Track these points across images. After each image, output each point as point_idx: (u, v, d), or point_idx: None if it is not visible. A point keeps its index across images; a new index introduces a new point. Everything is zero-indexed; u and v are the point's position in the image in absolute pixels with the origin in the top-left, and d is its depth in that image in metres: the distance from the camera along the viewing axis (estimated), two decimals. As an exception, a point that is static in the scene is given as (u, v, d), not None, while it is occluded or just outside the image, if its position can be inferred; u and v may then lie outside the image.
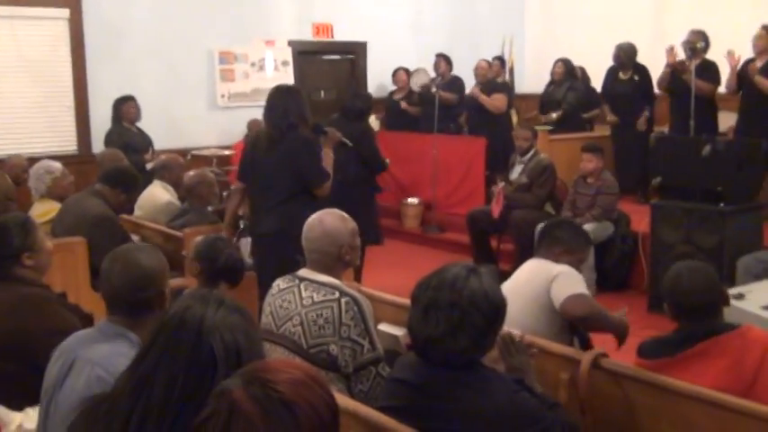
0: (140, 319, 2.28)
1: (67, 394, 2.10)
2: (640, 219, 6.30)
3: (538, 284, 3.27)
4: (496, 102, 8.54)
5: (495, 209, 6.68)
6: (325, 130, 4.77)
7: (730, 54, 6.88)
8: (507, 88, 9.14)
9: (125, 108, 7.24)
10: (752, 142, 5.72)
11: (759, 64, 6.72)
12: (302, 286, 2.92)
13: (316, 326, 2.80)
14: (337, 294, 2.82)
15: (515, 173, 7.00)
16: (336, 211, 3.10)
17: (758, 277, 4.73)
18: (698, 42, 7.03)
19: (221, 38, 8.69)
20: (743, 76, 6.80)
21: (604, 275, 6.37)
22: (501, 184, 6.88)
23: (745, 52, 6.90)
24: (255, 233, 4.59)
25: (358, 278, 5.24)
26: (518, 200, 6.72)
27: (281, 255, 3.99)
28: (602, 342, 3.37)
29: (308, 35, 9.40)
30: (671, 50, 7.29)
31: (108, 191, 4.82)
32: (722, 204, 5.43)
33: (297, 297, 2.90)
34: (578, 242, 3.52)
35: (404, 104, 9.21)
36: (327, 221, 3.01)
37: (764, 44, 6.74)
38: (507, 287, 3.56)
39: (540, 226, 6.40)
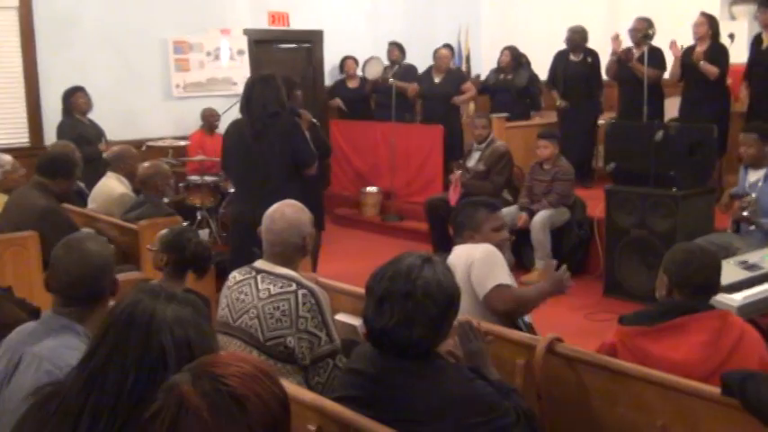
0: (95, 308, 2.27)
1: (15, 391, 2.07)
2: (593, 203, 6.39)
3: (462, 271, 3.23)
4: (470, 93, 8.51)
5: (453, 197, 6.72)
6: (299, 112, 5.00)
7: (673, 44, 6.99)
8: (468, 77, 9.17)
9: (74, 99, 7.10)
10: (704, 127, 5.80)
11: (699, 50, 6.84)
12: (259, 278, 2.91)
13: (272, 318, 2.78)
14: (294, 286, 2.81)
15: (473, 160, 7.05)
16: (294, 202, 3.11)
17: (710, 260, 4.81)
18: (649, 29, 7.12)
19: (175, 27, 8.56)
20: (686, 64, 6.90)
21: (561, 260, 6.40)
22: (458, 173, 6.91)
23: (686, 39, 7.02)
24: (253, 219, 4.56)
25: (314, 266, 5.23)
26: (476, 187, 6.76)
27: None
28: (556, 328, 3.40)
29: (263, 24, 9.31)
30: (616, 38, 7.38)
31: (49, 181, 4.73)
32: (675, 189, 5.52)
33: (253, 289, 2.88)
34: (476, 217, 3.44)
35: (336, 101, 9.22)
36: (289, 213, 3.02)
37: (705, 30, 6.85)
38: None
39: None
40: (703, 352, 2.65)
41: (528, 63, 9.09)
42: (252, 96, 4.62)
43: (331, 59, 9.79)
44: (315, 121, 5.30)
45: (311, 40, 9.77)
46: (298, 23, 9.56)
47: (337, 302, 3.24)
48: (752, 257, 4.06)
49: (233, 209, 5.08)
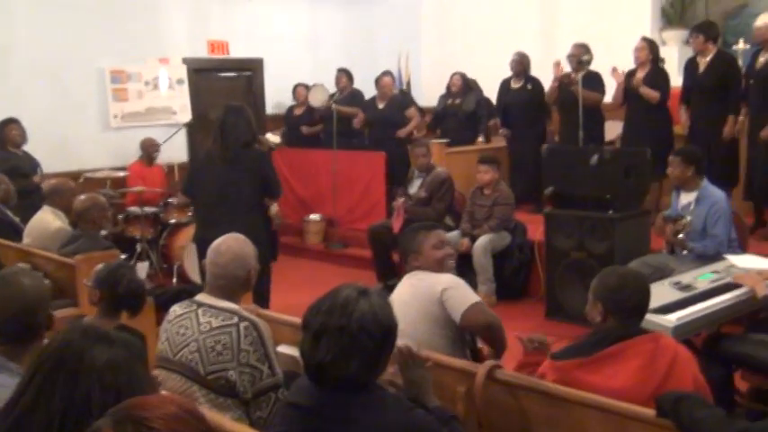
0: (29, 345, 2.21)
1: None
2: (536, 228, 6.47)
3: (426, 298, 3.27)
4: (415, 120, 8.58)
5: (396, 224, 6.76)
6: (258, 138, 5.20)
7: (615, 70, 7.16)
8: (413, 100, 9.23)
9: (7, 131, 6.94)
10: (637, 151, 5.94)
11: (640, 74, 7.02)
12: (200, 312, 2.88)
13: (214, 352, 2.75)
14: (236, 319, 2.79)
15: (414, 187, 7.09)
16: (240, 236, 3.11)
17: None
18: (583, 55, 7.28)
19: (113, 56, 8.47)
20: (627, 88, 7.08)
21: (503, 284, 6.51)
22: (401, 200, 6.96)
23: (627, 63, 7.19)
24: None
25: (268, 300, 5.22)
26: (418, 214, 6.79)
27: None
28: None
29: (203, 52, 9.28)
30: (557, 65, 7.54)
31: None
32: (611, 212, 5.63)
33: (194, 323, 2.85)
34: (416, 239, 3.47)
35: (305, 130, 9.19)
36: (235, 246, 3.02)
37: (645, 55, 7.03)
38: (395, 300, 3.59)
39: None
40: (640, 376, 2.69)
41: (478, 88, 9.21)
42: (226, 126, 4.81)
43: (272, 87, 9.79)
44: (273, 145, 5.49)
45: (251, 69, 9.76)
46: (237, 52, 9.55)
47: (279, 334, 3.22)
48: (685, 278, 4.15)
49: (196, 234, 5.20)
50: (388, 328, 2.01)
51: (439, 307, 3.25)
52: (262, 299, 4.92)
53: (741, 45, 7.36)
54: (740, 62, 7.09)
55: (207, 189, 4.90)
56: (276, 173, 5.03)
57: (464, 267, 6.57)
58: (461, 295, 3.27)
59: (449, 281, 3.34)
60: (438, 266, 3.45)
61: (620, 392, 2.61)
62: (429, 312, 3.26)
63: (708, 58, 6.66)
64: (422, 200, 6.93)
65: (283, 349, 3.13)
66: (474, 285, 6.42)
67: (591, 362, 2.76)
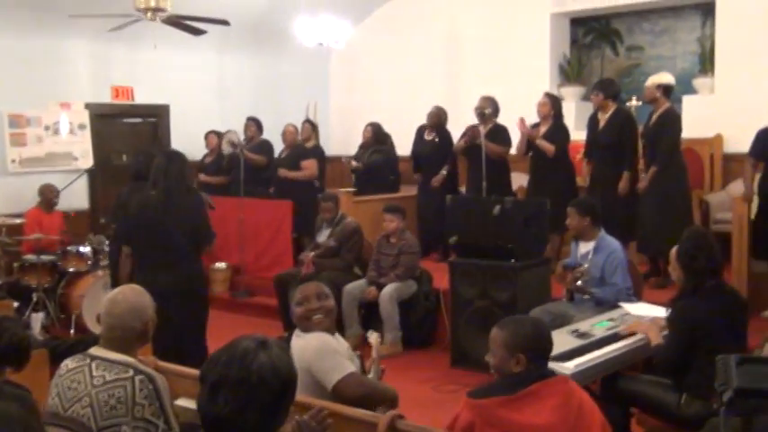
0: None
1: None
2: (442, 276, 6.55)
3: (298, 364, 3.23)
4: (307, 171, 8.62)
5: (304, 277, 6.73)
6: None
7: (521, 121, 7.38)
8: (319, 152, 9.26)
9: None
10: (537, 201, 6.13)
11: (543, 128, 7.26)
12: (93, 365, 2.79)
13: (107, 406, 2.67)
14: (131, 372, 2.72)
15: (323, 235, 7.09)
16: (136, 287, 3.06)
17: (547, 328, 5.03)
18: (488, 108, 7.49)
19: (11, 100, 8.23)
20: (531, 140, 7.30)
21: (410, 333, 6.54)
22: (309, 254, 6.95)
23: (529, 117, 7.43)
24: (152, 291, 4.64)
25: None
26: (327, 266, 6.81)
27: (187, 311, 4.82)
28: (403, 401, 3.43)
29: (106, 98, 9.12)
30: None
31: None
32: (513, 260, 5.75)
33: (87, 377, 2.76)
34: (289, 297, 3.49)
35: (203, 177, 9.12)
36: (132, 296, 2.96)
37: (548, 110, 7.28)
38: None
39: (347, 288, 6.55)
40: (559, 414, 2.76)
41: (389, 143, 9.32)
42: (168, 172, 4.85)
43: (178, 134, 9.68)
44: (212, 204, 5.60)
45: (157, 115, 9.64)
46: (142, 98, 9.42)
47: (179, 387, 3.14)
48: (582, 326, 4.27)
49: (138, 278, 4.96)
50: (287, 380, 1.99)
51: (308, 375, 3.18)
52: (203, 351, 4.85)
53: (634, 102, 7.71)
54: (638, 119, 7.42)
55: (149, 235, 4.88)
56: (209, 220, 5.10)
57: (371, 316, 6.62)
58: (329, 368, 3.19)
59: (314, 351, 3.23)
60: (304, 323, 3.37)
61: (544, 429, 2.70)
62: (305, 383, 3.20)
63: (607, 115, 6.94)
64: (330, 249, 6.93)
65: (182, 402, 3.06)
66: (380, 334, 6.44)
67: (514, 400, 2.79)
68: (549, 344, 2.95)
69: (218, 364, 1.94)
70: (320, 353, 3.22)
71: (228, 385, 1.91)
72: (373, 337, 3.67)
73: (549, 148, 7.12)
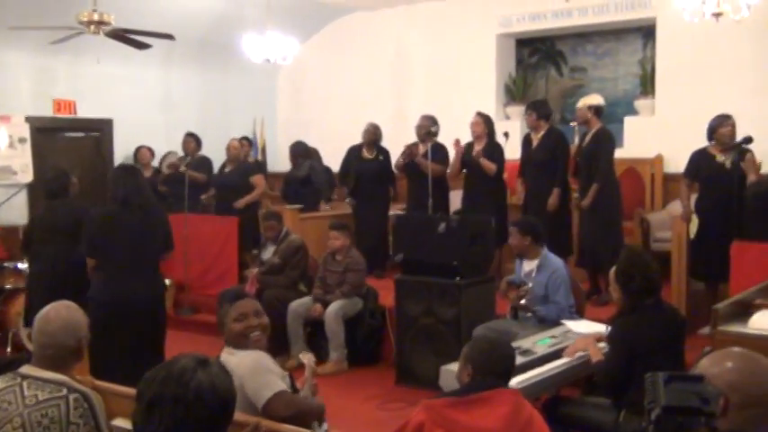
0: None
1: None
2: (388, 294, 6.54)
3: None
4: (259, 189, 8.55)
5: (250, 293, 6.65)
6: None
7: (456, 142, 7.46)
8: (261, 168, 9.23)
9: None
10: (482, 219, 6.17)
11: (477, 147, 7.34)
12: (25, 384, 2.70)
13: (40, 426, 2.59)
14: (65, 391, 2.65)
15: (268, 252, 7.04)
16: (70, 303, 2.98)
17: (491, 345, 5.06)
18: (431, 126, 7.56)
19: (-53, 112, 8.02)
20: (466, 160, 7.37)
21: (355, 350, 6.51)
22: (254, 270, 6.88)
23: (465, 136, 7.51)
24: (126, 299, 4.88)
25: None
26: (271, 283, 6.75)
27: (158, 316, 5.10)
28: (348, 420, 3.40)
29: (48, 111, 8.94)
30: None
31: None
32: (458, 278, 5.77)
33: (18, 397, 2.67)
34: (221, 313, 3.36)
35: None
36: (65, 313, 2.88)
37: (481, 130, 7.37)
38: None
39: (292, 305, 6.50)
40: (507, 422, 2.87)
41: (317, 157, 9.33)
42: (130, 183, 4.97)
43: (122, 149, 9.53)
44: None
45: (100, 129, 9.48)
46: (85, 112, 9.26)
47: (116, 406, 3.06)
48: (525, 343, 4.30)
49: (104, 295, 4.94)
50: (226, 399, 1.96)
51: (241, 393, 3.08)
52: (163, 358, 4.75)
53: (577, 122, 7.86)
54: (576, 139, 7.56)
55: (118, 249, 4.94)
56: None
57: (316, 333, 6.57)
58: (261, 386, 3.15)
59: (248, 369, 3.17)
60: (241, 340, 3.29)
61: None
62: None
63: (540, 134, 7.09)
64: (275, 266, 6.88)
65: (120, 423, 2.98)
66: (326, 351, 6.41)
67: (462, 402, 2.91)
68: (500, 366, 3.09)
69: (154, 381, 1.90)
70: (253, 371, 3.16)
71: (165, 403, 1.87)
72: (306, 357, 3.64)
73: (491, 167, 7.21)
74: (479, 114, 7.50)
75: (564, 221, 6.95)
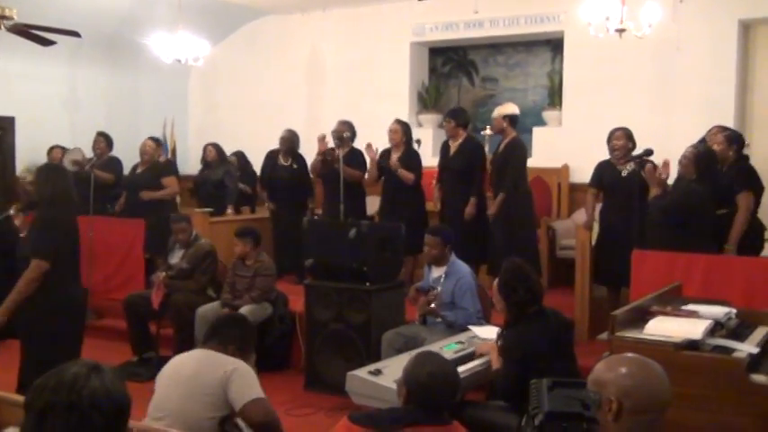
0: None
1: None
2: (298, 299, 6.51)
3: (211, 379, 3.21)
4: (170, 189, 8.36)
5: (156, 299, 6.52)
6: None
7: (369, 147, 7.49)
8: (174, 169, 9.03)
9: None
10: (393, 225, 6.21)
11: (395, 155, 7.38)
12: None
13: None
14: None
15: (176, 257, 6.89)
16: None
17: (399, 350, 5.11)
18: (346, 132, 7.57)
19: None
20: (383, 167, 7.41)
21: (264, 355, 6.41)
22: (162, 275, 6.73)
23: (387, 142, 7.57)
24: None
25: None
26: (179, 287, 6.62)
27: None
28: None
29: (-56, 108, 8.57)
30: (322, 139, 7.75)
31: None
32: (368, 283, 5.79)
33: None
34: (250, 342, 3.57)
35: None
36: None
37: (400, 137, 7.42)
38: (168, 374, 3.45)
39: (200, 310, 6.39)
40: None
41: (242, 160, 9.23)
42: (68, 185, 4.89)
43: (24, 147, 9.20)
44: None
45: (1, 127, 9.12)
46: (-15, 109, 8.91)
47: (9, 414, 2.95)
48: (432, 348, 4.34)
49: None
50: (121, 404, 1.91)
51: (220, 389, 3.18)
52: None
53: (488, 131, 8.01)
54: (487, 148, 7.70)
55: (74, 249, 4.98)
56: None
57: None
58: (246, 384, 3.23)
59: (238, 365, 3.30)
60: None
61: None
62: (207, 393, 3.18)
63: (458, 143, 7.18)
64: (183, 271, 6.74)
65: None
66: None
67: None
68: (436, 398, 2.92)
69: (45, 390, 1.83)
70: (245, 371, 3.28)
71: (57, 412, 1.81)
72: None
73: (408, 176, 7.26)
74: (398, 122, 7.54)
75: (480, 230, 7.04)
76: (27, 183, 4.73)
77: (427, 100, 9.80)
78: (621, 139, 6.29)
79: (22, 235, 4.81)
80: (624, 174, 6.25)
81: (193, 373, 3.23)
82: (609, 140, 6.36)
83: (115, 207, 8.59)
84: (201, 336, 6.33)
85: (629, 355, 2.30)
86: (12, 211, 4.77)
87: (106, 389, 1.86)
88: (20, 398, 3.04)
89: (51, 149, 8.92)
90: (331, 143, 7.74)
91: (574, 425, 1.74)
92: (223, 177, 8.67)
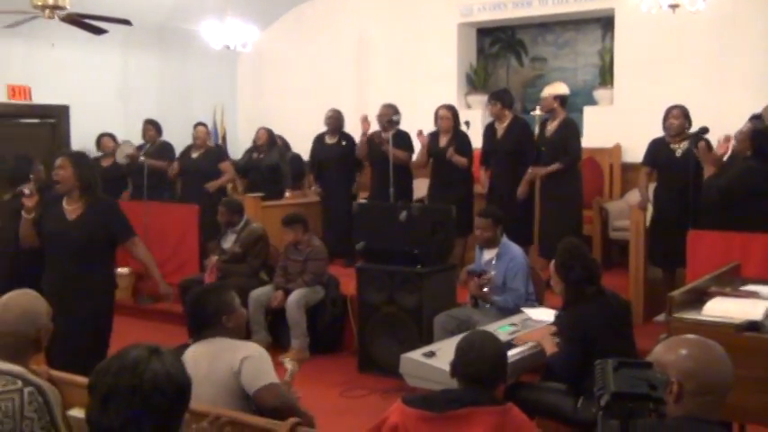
0: None
1: None
2: (349, 282, 6.54)
3: (226, 369, 3.16)
4: (229, 174, 8.47)
5: (209, 281, 6.61)
6: None
7: (420, 133, 7.46)
8: (227, 155, 9.14)
9: None
10: (443, 208, 6.19)
11: (444, 140, 7.34)
12: (-20, 376, 2.65)
13: (-6, 420, 2.55)
14: (20, 384, 2.60)
15: (228, 241, 6.99)
16: (31, 291, 2.93)
17: (452, 333, 5.10)
18: (392, 115, 7.55)
19: None
20: (432, 151, 7.37)
21: (317, 338, 6.51)
22: (214, 258, 6.83)
23: (427, 124, 7.53)
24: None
25: None
26: (232, 271, 6.70)
27: None
28: (311, 407, 3.39)
29: (2, 97, 8.75)
30: (365, 120, 7.74)
31: None
32: (419, 266, 5.79)
33: (-27, 389, 2.62)
34: (228, 296, 3.39)
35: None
36: (25, 301, 2.83)
37: (450, 123, 7.36)
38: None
39: (254, 294, 6.47)
40: None
41: (284, 143, 9.29)
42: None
43: (79, 135, 9.37)
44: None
45: (56, 116, 9.31)
46: (40, 98, 9.08)
47: (73, 396, 3.02)
48: (489, 329, 4.33)
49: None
50: (182, 386, 1.94)
51: (236, 379, 3.15)
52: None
53: (538, 112, 7.92)
54: (536, 128, 7.62)
55: (56, 240, 4.78)
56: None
57: (277, 322, 6.55)
58: (258, 370, 3.17)
59: (251, 350, 3.23)
60: (242, 328, 3.44)
61: None
62: (228, 388, 3.15)
63: (505, 124, 7.11)
64: (236, 255, 6.84)
65: (76, 413, 2.94)
66: (288, 339, 6.40)
67: (437, 418, 2.78)
68: (472, 367, 2.91)
69: (107, 373, 1.87)
70: (259, 356, 3.22)
71: (120, 395, 1.85)
72: (290, 364, 3.67)
73: (462, 161, 7.22)
74: (448, 108, 7.48)
75: (529, 211, 6.99)
76: (57, 168, 4.64)
77: (476, 81, 9.72)
78: (679, 118, 6.15)
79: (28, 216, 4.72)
80: (679, 154, 6.12)
81: (207, 372, 3.17)
82: (665, 119, 6.23)
83: (174, 192, 8.71)
84: (255, 319, 6.45)
85: (690, 336, 2.26)
86: (27, 190, 4.71)
87: (167, 371, 1.89)
88: (84, 380, 3.12)
89: (100, 138, 9.08)
90: (374, 125, 7.74)
91: (640, 405, 1.72)
92: (278, 161, 8.71)
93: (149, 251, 4.84)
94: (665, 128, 6.23)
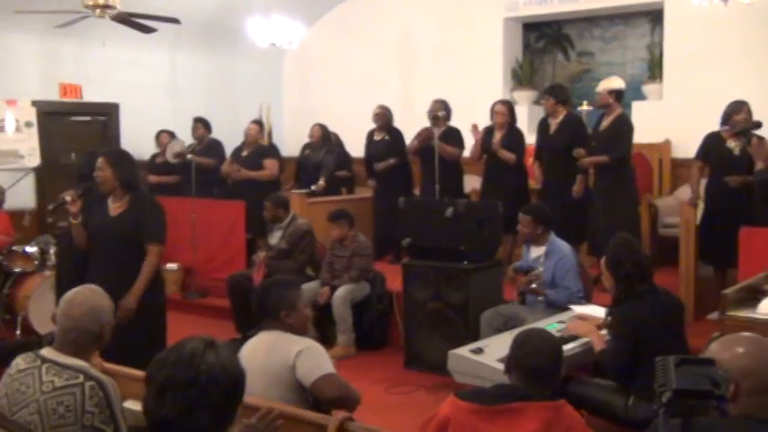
0: None
1: None
2: (395, 278, 6.55)
3: (280, 362, 3.20)
4: (267, 171, 8.56)
5: (257, 277, 6.67)
6: None
7: (475, 127, 7.41)
8: (276, 152, 9.21)
9: None
10: (490, 204, 6.15)
11: (498, 135, 7.28)
12: (44, 369, 2.72)
13: (55, 414, 2.61)
14: (81, 378, 2.66)
15: (275, 237, 7.04)
16: (97, 288, 2.99)
17: (499, 330, 5.09)
18: (441, 111, 7.52)
19: (-46, 96, 8.03)
20: (486, 146, 7.33)
21: (363, 334, 6.53)
22: (262, 254, 6.89)
23: (481, 120, 7.48)
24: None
25: None
26: (279, 267, 6.75)
27: None
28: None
29: (54, 95, 8.94)
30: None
31: None
32: (466, 262, 5.77)
33: (36, 381, 2.69)
34: (292, 295, 3.42)
35: (153, 179, 8.95)
36: (92, 298, 2.89)
37: (505, 119, 7.28)
38: (245, 358, 3.50)
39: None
40: None
41: (336, 140, 9.33)
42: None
43: (128, 133, 9.54)
44: None
45: (106, 113, 9.48)
46: (91, 96, 9.26)
47: (126, 389, 3.08)
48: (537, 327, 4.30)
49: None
50: (236, 379, 1.98)
51: (291, 373, 3.19)
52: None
53: (585, 107, 7.83)
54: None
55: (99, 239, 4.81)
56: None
57: (324, 317, 6.59)
58: (314, 362, 3.22)
59: (306, 344, 3.28)
60: (306, 325, 3.46)
61: None
62: (283, 376, 3.19)
63: (558, 120, 7.00)
64: (283, 251, 6.89)
65: (130, 404, 3.00)
66: (333, 335, 6.44)
67: (490, 411, 2.78)
68: (527, 361, 2.89)
69: (165, 365, 1.92)
70: (313, 349, 3.27)
71: (177, 386, 1.89)
72: (343, 339, 3.74)
73: (510, 157, 7.17)
74: (504, 103, 7.43)
75: (581, 208, 6.90)
76: (97, 169, 4.65)
77: (522, 76, 9.64)
78: (746, 114, 5.99)
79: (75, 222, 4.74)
80: (737, 153, 5.98)
81: (262, 364, 3.21)
82: (732, 114, 6.03)
83: (224, 189, 8.81)
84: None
85: (746, 334, 2.23)
86: (68, 197, 4.73)
87: (222, 364, 1.93)
88: (139, 373, 3.18)
89: (159, 134, 9.22)
90: (424, 121, 7.72)
91: (702, 403, 1.70)
92: (323, 158, 8.75)
93: (158, 267, 4.71)
94: (730, 123, 6.06)
